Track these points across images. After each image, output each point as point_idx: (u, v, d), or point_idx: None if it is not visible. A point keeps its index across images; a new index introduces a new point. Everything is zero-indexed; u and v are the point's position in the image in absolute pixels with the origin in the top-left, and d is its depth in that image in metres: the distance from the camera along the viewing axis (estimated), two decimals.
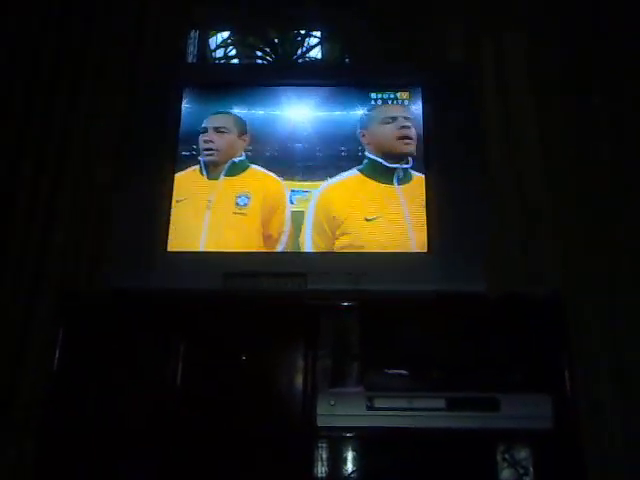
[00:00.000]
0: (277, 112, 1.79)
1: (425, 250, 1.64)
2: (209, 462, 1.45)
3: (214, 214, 1.70)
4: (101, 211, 1.96)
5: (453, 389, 1.49)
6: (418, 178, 1.70)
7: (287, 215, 1.69)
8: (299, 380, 1.50)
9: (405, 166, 1.71)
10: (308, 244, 1.67)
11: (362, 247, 1.65)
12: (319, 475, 1.51)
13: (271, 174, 1.73)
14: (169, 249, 1.67)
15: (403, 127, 1.74)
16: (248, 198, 1.71)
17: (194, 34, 2.43)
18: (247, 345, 1.53)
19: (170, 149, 1.75)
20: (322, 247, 1.67)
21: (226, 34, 2.62)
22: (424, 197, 1.68)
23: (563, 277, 1.88)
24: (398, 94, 1.78)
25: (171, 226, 1.68)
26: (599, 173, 1.99)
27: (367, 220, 1.67)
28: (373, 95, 1.78)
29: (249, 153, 1.75)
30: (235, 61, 2.62)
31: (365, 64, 2.22)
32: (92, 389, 1.52)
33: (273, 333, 1.54)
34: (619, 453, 1.73)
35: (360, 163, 1.73)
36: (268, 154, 1.75)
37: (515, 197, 1.98)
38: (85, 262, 1.91)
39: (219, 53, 2.61)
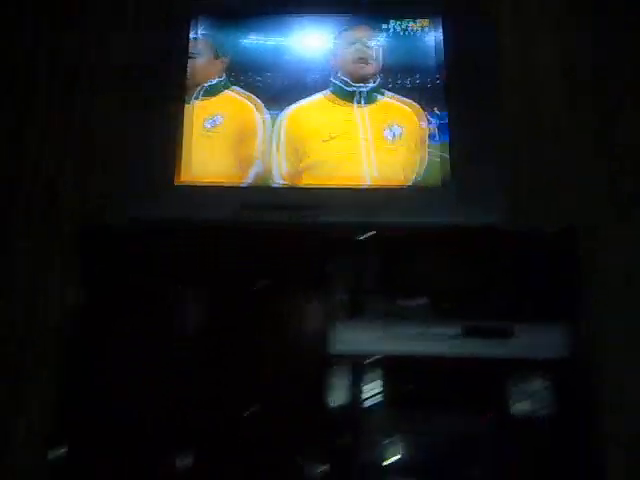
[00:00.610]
0: (284, 40, 1.80)
1: (370, 173, 1.68)
2: (225, 393, 1.48)
3: (186, 137, 1.73)
4: (113, 141, 1.96)
5: (468, 318, 1.50)
6: (383, 101, 1.72)
7: (259, 140, 1.72)
8: (315, 311, 1.52)
9: (363, 89, 1.73)
10: (276, 169, 1.70)
11: (320, 168, 1.69)
12: (334, 403, 1.54)
13: (244, 98, 1.76)
14: (181, 180, 1.70)
15: (361, 50, 1.76)
16: (217, 121, 1.74)
17: None
18: (262, 278, 1.54)
19: (179, 78, 1.77)
20: (289, 171, 1.70)
21: None
22: (387, 120, 1.70)
23: (579, 208, 1.86)
24: (417, 21, 1.76)
25: (183, 156, 1.71)
26: (618, 104, 1.96)
27: (323, 141, 1.70)
28: (391, 23, 1.77)
29: (230, 78, 1.78)
30: None
31: None
32: (108, 322, 1.56)
33: (288, 266, 1.55)
34: (634, 382, 1.74)
35: (329, 86, 1.75)
36: (249, 79, 1.77)
37: (533, 128, 1.95)
38: (98, 193, 1.93)
39: None
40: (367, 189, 1.67)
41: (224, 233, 1.58)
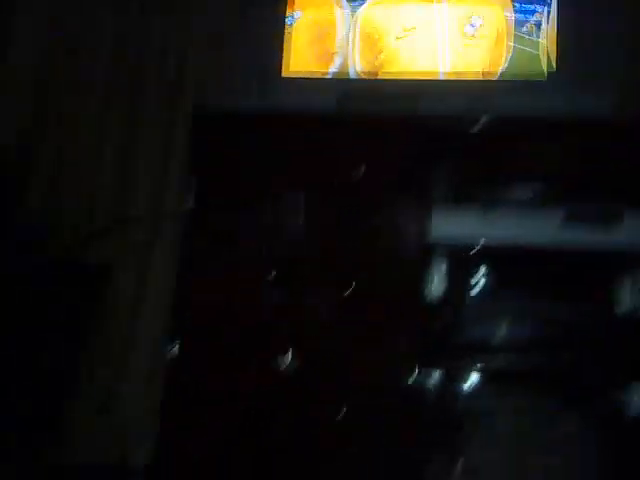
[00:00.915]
0: None
1: (450, 71, 1.62)
2: (327, 281, 1.54)
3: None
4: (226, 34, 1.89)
5: (574, 204, 1.45)
6: None
7: (339, 34, 1.69)
8: (415, 200, 1.53)
9: None
10: (352, 64, 1.68)
11: (391, 63, 1.64)
12: (434, 290, 1.53)
13: None
14: (284, 73, 1.71)
15: None
16: (296, 17, 1.72)
17: None
18: (362, 166, 1.55)
19: None
20: (366, 67, 1.67)
21: None
22: (468, 13, 1.61)
23: None
24: None
25: (285, 50, 1.71)
26: None
27: (399, 36, 1.65)
28: None
29: None
30: None
31: None
32: (219, 209, 1.62)
33: (387, 155, 1.56)
34: None
35: None
36: None
37: None
38: (214, 82, 1.88)
39: None
40: (467, 81, 1.61)
41: (326, 124, 1.58)
